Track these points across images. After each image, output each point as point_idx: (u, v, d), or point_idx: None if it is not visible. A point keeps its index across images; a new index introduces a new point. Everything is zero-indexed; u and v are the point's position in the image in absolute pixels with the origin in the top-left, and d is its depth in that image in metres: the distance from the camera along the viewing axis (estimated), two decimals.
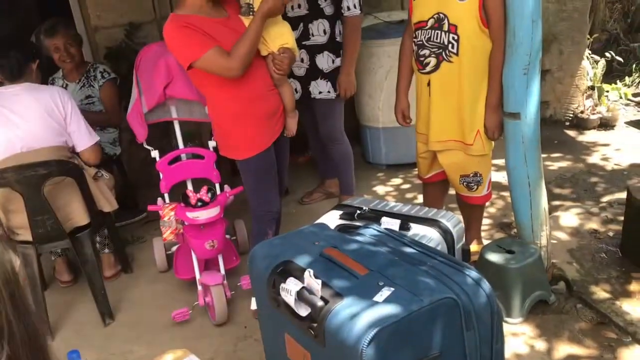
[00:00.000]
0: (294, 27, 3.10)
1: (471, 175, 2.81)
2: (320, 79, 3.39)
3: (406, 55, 2.83)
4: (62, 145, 2.85)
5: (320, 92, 3.42)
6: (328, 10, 3.29)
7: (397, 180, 4.13)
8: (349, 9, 3.25)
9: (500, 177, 3.98)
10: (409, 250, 1.65)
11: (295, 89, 3.42)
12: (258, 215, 2.75)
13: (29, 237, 2.79)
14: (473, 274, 1.52)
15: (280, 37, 2.54)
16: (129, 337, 2.82)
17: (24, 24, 6.38)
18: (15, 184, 2.64)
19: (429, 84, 2.67)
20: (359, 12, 3.29)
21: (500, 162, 4.12)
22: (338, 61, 3.36)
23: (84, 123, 2.91)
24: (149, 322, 2.91)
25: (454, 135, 2.69)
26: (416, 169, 3.11)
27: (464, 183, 2.86)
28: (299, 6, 3.28)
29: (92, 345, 2.79)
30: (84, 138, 2.91)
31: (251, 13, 2.50)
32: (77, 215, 2.89)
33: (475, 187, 2.86)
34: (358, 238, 1.75)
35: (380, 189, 4.06)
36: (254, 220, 2.78)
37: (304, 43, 3.29)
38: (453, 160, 2.78)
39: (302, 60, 3.35)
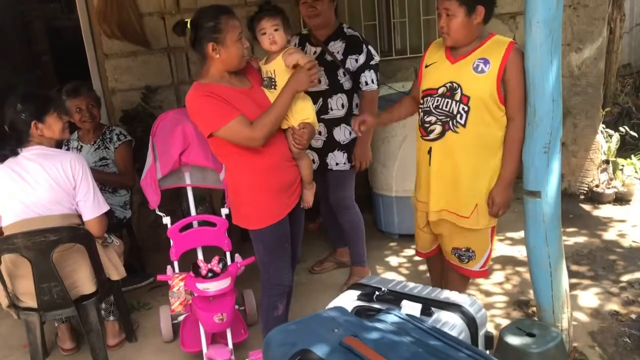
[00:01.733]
0: (314, 102, 3.11)
1: (463, 249, 2.76)
2: (337, 150, 3.42)
3: (397, 107, 2.92)
4: (70, 213, 2.80)
5: (337, 164, 3.44)
6: (347, 85, 3.35)
7: (410, 252, 4.04)
8: (367, 84, 3.33)
9: (516, 251, 3.91)
10: (433, 342, 1.56)
11: (313, 160, 3.43)
12: (268, 288, 2.67)
13: (34, 304, 2.71)
14: None
15: (302, 111, 2.53)
16: None
17: (41, 84, 6.52)
18: (24, 250, 2.59)
19: (429, 152, 2.64)
20: (376, 87, 3.37)
21: (515, 235, 4.10)
22: (354, 133, 3.38)
23: (92, 193, 2.84)
24: None
25: (449, 205, 2.65)
26: None
27: (456, 254, 2.80)
28: (319, 82, 3.30)
29: None
30: (91, 208, 2.83)
31: (273, 86, 2.51)
32: (84, 283, 2.82)
33: (467, 260, 2.79)
34: (379, 325, 1.67)
35: (392, 260, 3.98)
36: (264, 292, 2.69)
37: (322, 117, 3.33)
38: (446, 232, 2.74)
39: (319, 133, 3.38)
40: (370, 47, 3.34)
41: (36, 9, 7.07)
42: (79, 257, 2.78)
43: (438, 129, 2.59)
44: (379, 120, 2.97)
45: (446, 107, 2.55)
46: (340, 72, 3.33)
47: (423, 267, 3.80)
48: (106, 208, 2.90)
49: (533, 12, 2.32)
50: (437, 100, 2.58)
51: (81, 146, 3.75)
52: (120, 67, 4.44)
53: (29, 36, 7.00)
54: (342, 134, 3.40)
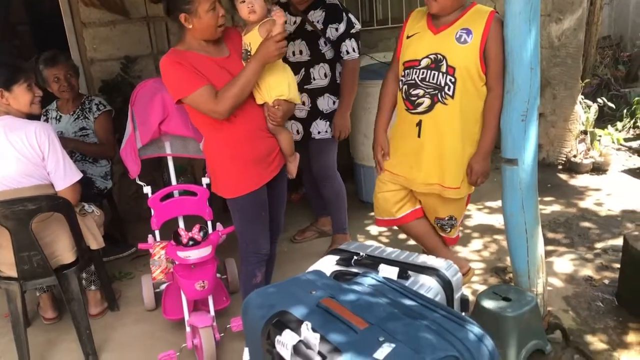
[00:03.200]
0: (296, 72, 3.03)
1: (446, 218, 2.81)
2: (320, 119, 3.43)
3: (388, 94, 2.82)
4: (42, 184, 2.74)
5: (319, 132, 3.45)
6: (329, 54, 3.35)
7: None
8: (347, 52, 3.32)
9: (494, 220, 3.97)
10: (409, 302, 1.60)
11: (297, 130, 3.46)
12: (246, 257, 2.69)
13: (14, 273, 2.71)
14: (475, 329, 1.48)
15: (277, 87, 2.46)
16: None
17: (19, 54, 6.39)
18: (2, 219, 2.57)
19: (418, 124, 2.65)
20: (357, 55, 3.35)
21: (493, 204, 4.16)
22: (337, 102, 3.38)
23: (62, 162, 2.75)
24: None
25: (438, 179, 2.67)
26: None
27: (439, 224, 2.86)
28: (301, 52, 3.34)
29: None
30: (62, 178, 2.76)
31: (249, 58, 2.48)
32: (64, 252, 2.81)
33: (449, 229, 2.86)
34: (356, 287, 1.71)
35: (373, 229, 4.02)
36: (242, 261, 2.71)
37: (305, 87, 3.34)
38: (431, 203, 2.77)
39: (303, 103, 3.39)
40: (350, 16, 3.32)
41: None
42: (58, 227, 2.77)
43: (427, 101, 2.59)
44: (387, 126, 2.87)
45: (433, 79, 2.55)
46: (322, 41, 3.31)
47: (403, 235, 3.85)
48: (78, 176, 2.82)
49: None
50: (423, 72, 2.57)
51: (60, 116, 3.71)
52: (99, 37, 4.36)
53: (5, 5, 6.83)
54: (325, 103, 3.41)
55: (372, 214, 4.19)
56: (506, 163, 2.57)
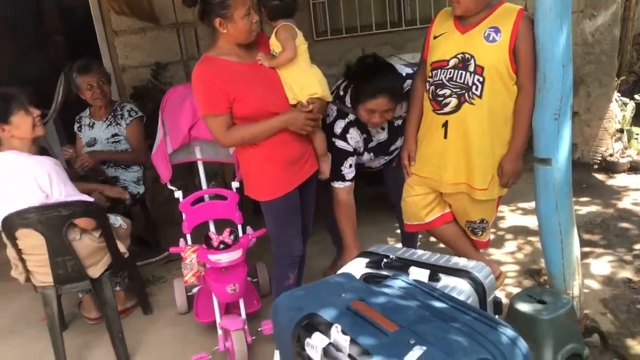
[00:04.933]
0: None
1: (477, 221, 2.76)
2: None
3: (417, 98, 2.75)
4: None
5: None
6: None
7: None
8: None
9: (528, 221, 3.89)
10: (439, 305, 1.58)
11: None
12: (279, 259, 2.70)
13: (49, 278, 2.76)
14: (508, 332, 1.45)
15: (309, 86, 2.48)
16: None
17: (54, 60, 6.55)
18: (38, 225, 2.63)
19: (444, 125, 2.60)
20: None
21: (527, 205, 4.08)
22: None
23: (65, 195, 2.67)
24: None
25: (466, 178, 2.63)
26: None
27: (470, 228, 2.81)
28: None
29: None
30: None
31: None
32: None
33: (480, 232, 2.81)
34: (386, 290, 1.69)
35: None
36: (275, 263, 2.73)
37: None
38: (461, 205, 2.72)
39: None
40: None
41: None
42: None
43: (454, 102, 2.55)
44: (416, 132, 2.78)
45: (460, 78, 2.51)
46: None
47: (433, 239, 3.80)
48: (84, 197, 2.78)
49: None
50: (450, 72, 2.53)
51: (93, 123, 3.78)
52: (130, 44, 4.44)
53: (40, 15, 7.01)
54: None
55: None
56: (539, 163, 2.52)
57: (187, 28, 4.46)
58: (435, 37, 2.64)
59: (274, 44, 2.48)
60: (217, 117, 2.42)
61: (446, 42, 2.58)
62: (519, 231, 3.82)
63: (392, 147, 3.01)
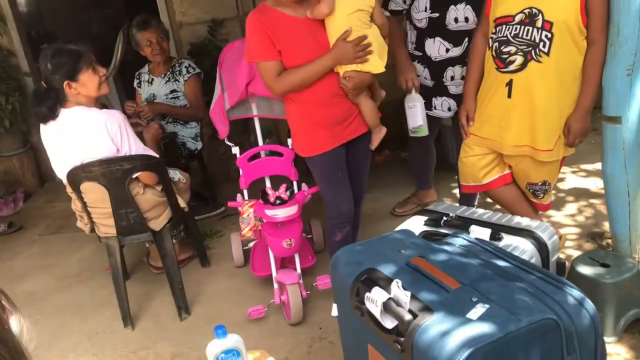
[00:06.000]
0: (458, 43, 2.91)
1: (539, 183, 2.66)
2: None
3: (478, 55, 2.65)
4: None
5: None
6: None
7: None
8: None
9: (590, 183, 3.76)
10: (502, 263, 1.55)
11: (449, 107, 3.13)
12: (329, 215, 2.74)
13: (113, 230, 2.86)
14: (575, 292, 1.41)
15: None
16: (205, 332, 2.83)
17: (113, 19, 6.66)
18: (101, 178, 2.71)
19: (508, 84, 2.50)
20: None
21: (589, 167, 3.93)
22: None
23: (134, 148, 2.75)
24: (224, 317, 2.92)
25: (529, 140, 2.53)
26: None
27: (531, 190, 2.71)
28: (466, 19, 2.87)
29: (168, 338, 2.84)
30: None
31: None
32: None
33: (542, 195, 2.71)
34: (446, 248, 1.67)
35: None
36: (327, 217, 2.77)
37: (466, 60, 2.83)
38: (522, 167, 2.63)
39: (462, 78, 2.98)
40: None
41: None
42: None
43: (519, 59, 2.43)
44: (476, 91, 2.70)
45: (527, 35, 2.39)
46: None
47: (490, 201, 3.73)
48: (150, 152, 2.85)
49: None
50: (516, 28, 2.41)
51: (152, 79, 3.83)
52: (187, 0, 4.45)
53: None
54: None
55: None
56: (608, 121, 2.41)
57: None
58: None
59: None
60: (267, 63, 2.41)
61: None
62: (581, 193, 3.69)
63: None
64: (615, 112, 2.37)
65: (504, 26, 2.46)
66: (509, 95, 2.50)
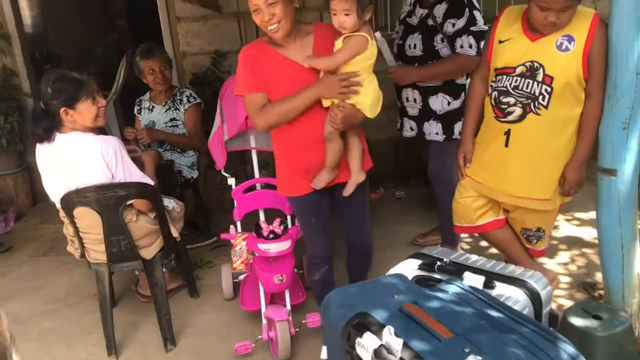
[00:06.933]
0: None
1: (534, 229, 2.67)
2: (433, 120, 3.25)
3: (476, 99, 2.69)
4: None
5: (430, 134, 3.29)
6: (444, 52, 3.12)
7: None
8: (462, 47, 3.02)
9: (584, 232, 3.77)
10: (496, 314, 1.53)
11: (411, 127, 3.37)
12: (306, 254, 2.75)
13: (103, 256, 2.83)
14: (569, 349, 1.40)
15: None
16: None
17: (118, 44, 6.73)
18: (95, 203, 2.69)
19: (507, 133, 2.51)
20: (474, 53, 2.98)
21: (583, 215, 3.94)
22: (455, 103, 3.19)
23: (130, 175, 2.75)
24: (210, 351, 2.88)
25: (526, 191, 2.54)
26: None
27: (525, 235, 2.72)
28: (415, 46, 3.21)
29: None
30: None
31: None
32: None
33: (535, 241, 2.72)
34: (440, 295, 1.65)
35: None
36: (307, 257, 2.79)
37: (416, 84, 3.21)
38: (518, 213, 2.65)
39: (414, 101, 3.28)
40: (475, 12, 3.01)
41: None
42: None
43: (518, 111, 2.45)
44: (473, 133, 2.74)
45: (527, 87, 2.41)
46: (438, 38, 3.10)
47: (485, 243, 3.72)
48: (146, 179, 2.83)
49: None
50: (516, 80, 2.43)
51: (153, 106, 3.85)
52: (192, 31, 4.51)
53: (105, 0, 7.21)
54: (438, 103, 3.21)
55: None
56: (603, 173, 2.42)
57: (247, 17, 4.42)
58: (500, 42, 2.52)
59: (338, 46, 2.33)
60: (252, 95, 2.36)
61: (513, 48, 2.47)
62: (574, 242, 3.69)
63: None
64: (610, 164, 2.38)
65: (504, 76, 2.48)
66: (506, 145, 2.52)
